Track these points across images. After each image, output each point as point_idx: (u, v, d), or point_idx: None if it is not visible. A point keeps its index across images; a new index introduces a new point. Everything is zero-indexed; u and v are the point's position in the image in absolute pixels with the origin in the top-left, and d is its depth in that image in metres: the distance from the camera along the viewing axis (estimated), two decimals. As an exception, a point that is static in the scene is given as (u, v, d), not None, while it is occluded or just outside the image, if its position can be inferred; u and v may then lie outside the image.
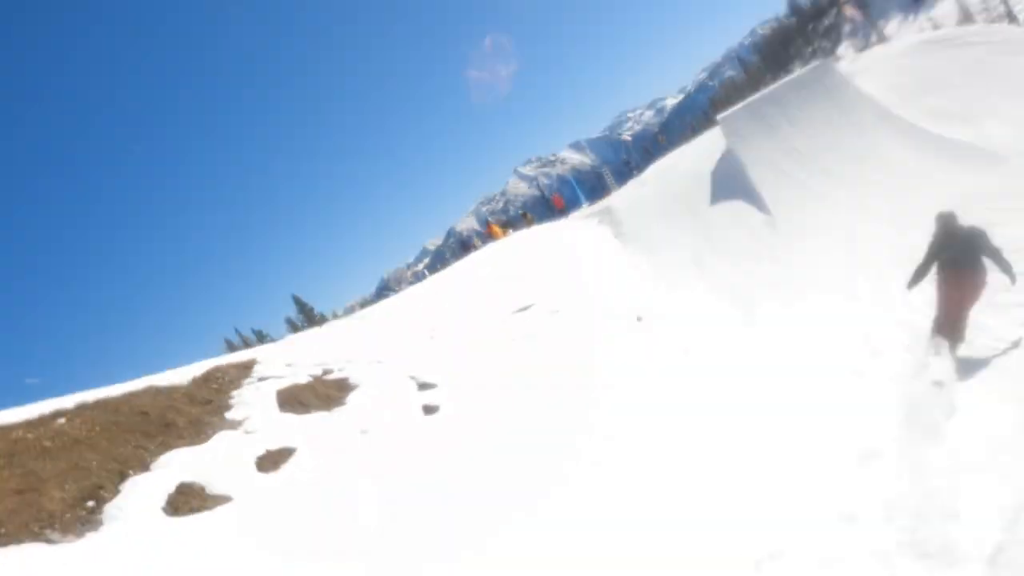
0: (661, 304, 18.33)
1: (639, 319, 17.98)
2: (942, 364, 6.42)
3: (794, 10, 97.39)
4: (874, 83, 22.30)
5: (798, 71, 24.84)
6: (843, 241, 15.40)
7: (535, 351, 15.71)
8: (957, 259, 6.45)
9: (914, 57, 23.48)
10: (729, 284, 17.01)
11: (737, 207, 21.34)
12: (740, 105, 25.52)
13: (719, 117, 25.74)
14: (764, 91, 25.16)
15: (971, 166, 15.49)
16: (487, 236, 29.05)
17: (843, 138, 20.29)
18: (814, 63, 24.27)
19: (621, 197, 29.64)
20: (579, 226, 28.41)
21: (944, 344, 6.58)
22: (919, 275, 6.96)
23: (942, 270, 6.74)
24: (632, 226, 25.26)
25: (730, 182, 22.84)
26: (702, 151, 26.22)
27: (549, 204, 33.70)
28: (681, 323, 15.83)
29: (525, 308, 18.95)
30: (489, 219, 29.21)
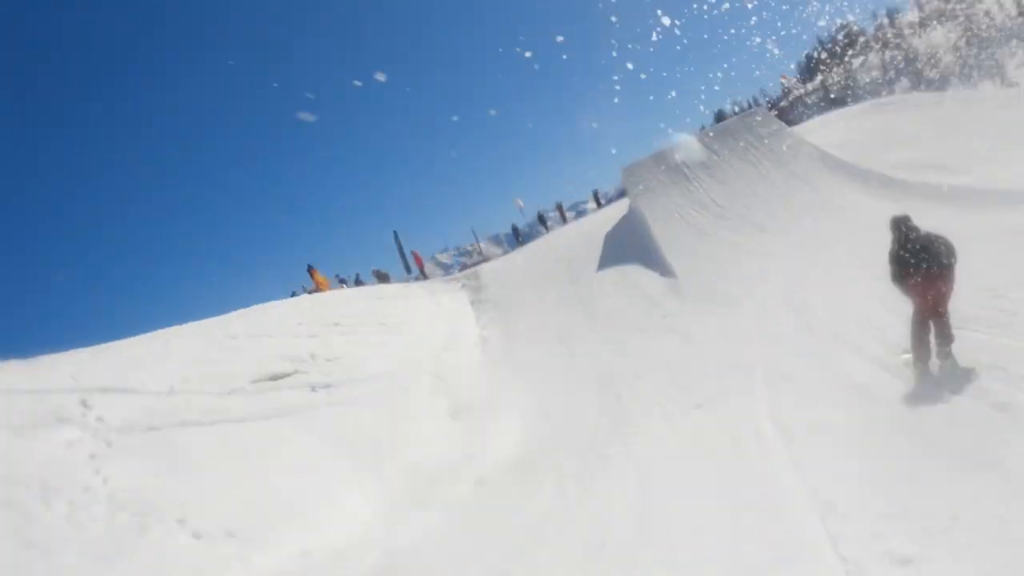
0: (494, 391, 11.51)
1: (452, 416, 11.06)
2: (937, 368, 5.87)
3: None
4: (824, 142, 17.20)
5: (728, 120, 19.59)
6: (782, 308, 9.28)
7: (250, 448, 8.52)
8: (921, 258, 5.92)
9: (864, 119, 18.79)
10: (596, 374, 10.41)
11: (631, 272, 15.28)
12: (648, 155, 20.10)
13: (622, 168, 20.29)
14: (680, 140, 19.83)
15: (975, 207, 10.11)
16: (315, 287, 21.72)
17: (785, 190, 14.98)
18: (748, 111, 19.04)
19: (497, 262, 23.70)
20: (435, 288, 21.60)
21: (930, 351, 6.00)
22: (901, 281, 6.16)
23: (909, 273, 6.04)
24: (496, 293, 18.83)
25: (628, 242, 17.03)
26: (610, 214, 21.25)
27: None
28: (504, 427, 9.06)
29: (280, 377, 11.69)
30: (311, 264, 21.55)
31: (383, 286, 23.61)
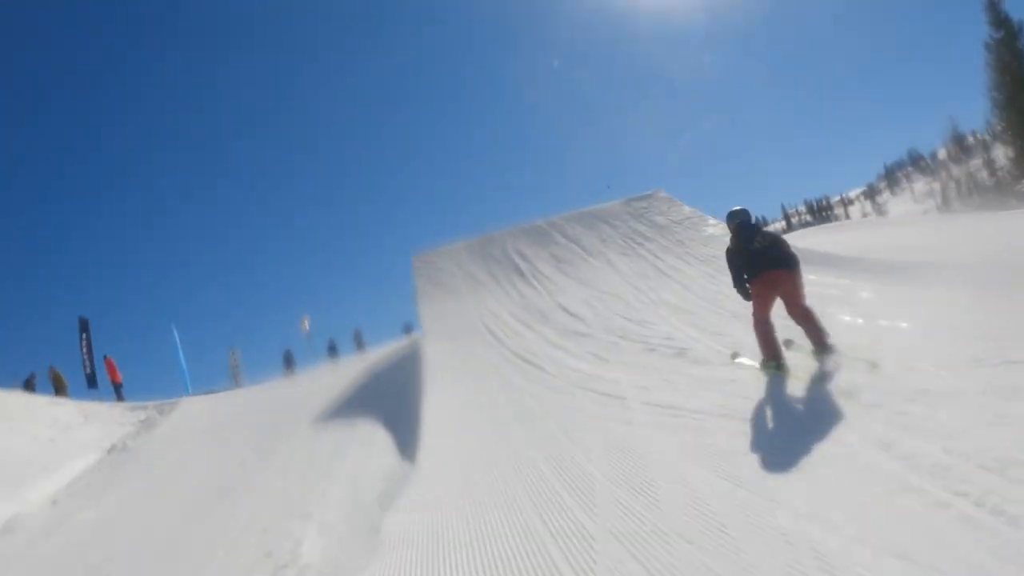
0: None
1: None
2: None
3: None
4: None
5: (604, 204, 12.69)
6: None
7: None
8: (767, 255, 5.00)
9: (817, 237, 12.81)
10: None
11: (361, 432, 7.21)
12: (462, 241, 12.62)
13: (413, 256, 12.59)
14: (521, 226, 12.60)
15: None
16: None
17: (709, 294, 7.51)
18: (639, 195, 12.31)
19: (220, 396, 15.70)
20: (101, 415, 12.94)
21: (780, 349, 5.00)
22: (742, 284, 5.29)
23: (756, 273, 5.07)
24: (159, 437, 10.58)
25: (397, 377, 9.32)
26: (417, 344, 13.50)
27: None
28: None
29: None
30: None
31: (36, 396, 13.99)
